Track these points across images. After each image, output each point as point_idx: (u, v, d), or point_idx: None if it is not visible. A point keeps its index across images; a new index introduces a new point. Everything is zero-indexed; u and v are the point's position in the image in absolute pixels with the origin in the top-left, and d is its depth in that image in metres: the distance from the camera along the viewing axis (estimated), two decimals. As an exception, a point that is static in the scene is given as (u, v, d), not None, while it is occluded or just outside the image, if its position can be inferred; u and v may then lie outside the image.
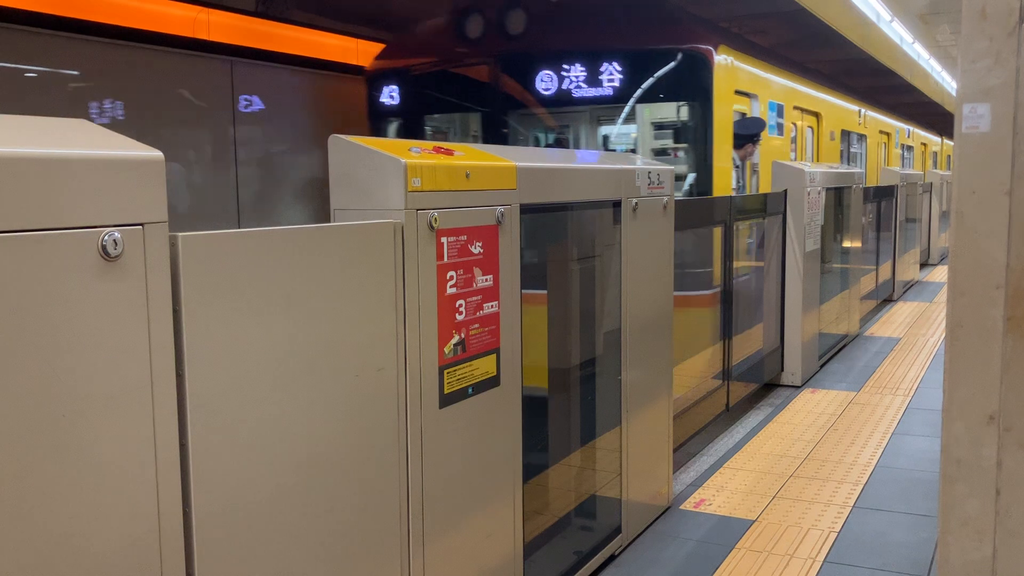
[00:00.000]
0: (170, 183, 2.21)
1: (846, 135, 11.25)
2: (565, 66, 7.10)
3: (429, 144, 2.56)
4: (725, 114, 6.99)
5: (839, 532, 3.89)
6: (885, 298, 10.87)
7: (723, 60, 6.82)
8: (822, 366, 7.26)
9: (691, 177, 6.94)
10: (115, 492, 1.57)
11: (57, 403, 1.48)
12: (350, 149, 2.35)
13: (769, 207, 6.43)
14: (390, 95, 7.88)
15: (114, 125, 8.44)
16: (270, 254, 1.92)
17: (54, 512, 1.48)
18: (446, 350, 2.47)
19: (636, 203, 3.63)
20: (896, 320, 9.53)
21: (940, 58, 17.10)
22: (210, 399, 1.78)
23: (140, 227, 1.58)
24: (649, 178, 3.75)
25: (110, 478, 1.56)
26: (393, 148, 2.37)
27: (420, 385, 2.37)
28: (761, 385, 6.42)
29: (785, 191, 6.58)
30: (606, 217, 3.60)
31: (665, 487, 4.15)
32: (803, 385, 6.65)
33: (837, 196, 7.83)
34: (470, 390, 2.59)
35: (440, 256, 2.43)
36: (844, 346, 8.05)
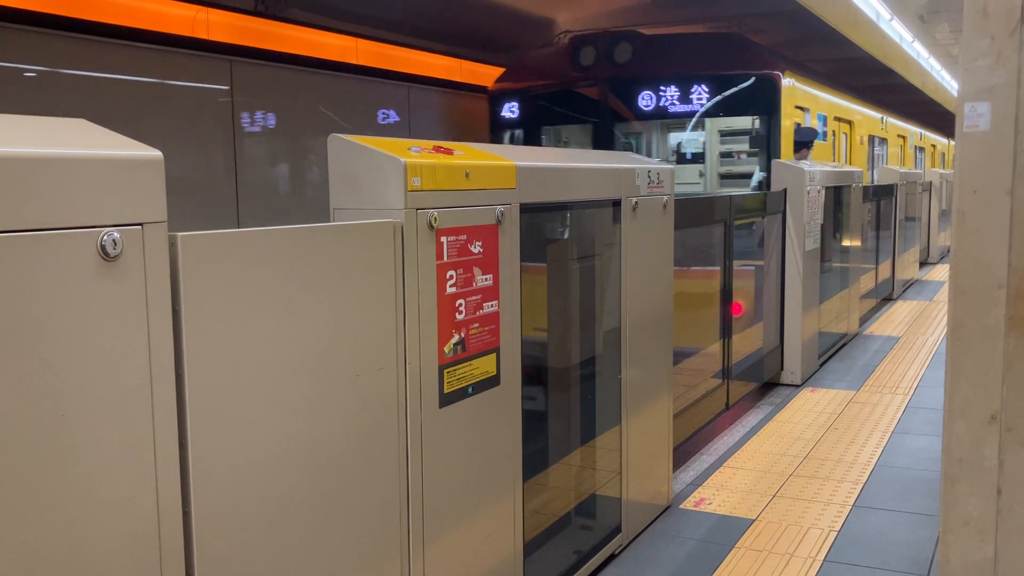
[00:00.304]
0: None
1: (871, 139, 13.05)
2: (662, 88, 8.99)
3: (429, 143, 2.56)
4: (788, 124, 8.75)
5: (839, 531, 3.89)
6: (885, 297, 10.87)
7: (787, 82, 8.67)
8: (822, 365, 7.26)
9: (760, 175, 8.51)
10: (114, 492, 1.57)
11: (56, 403, 1.47)
12: (350, 148, 2.35)
13: (769, 206, 6.43)
14: (510, 110, 9.84)
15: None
16: (270, 254, 1.91)
17: (53, 512, 1.48)
18: (446, 349, 2.47)
19: (636, 202, 3.63)
20: (896, 319, 9.53)
21: (940, 57, 17.12)
22: (209, 399, 1.77)
23: (139, 227, 1.58)
24: (649, 177, 3.75)
25: (109, 478, 1.56)
26: (393, 147, 2.37)
27: (420, 384, 2.37)
28: (761, 384, 6.42)
29: (785, 190, 6.58)
30: (606, 216, 3.60)
31: (665, 486, 4.15)
32: (803, 384, 6.65)
33: (837, 195, 7.83)
34: (470, 389, 2.59)
35: (440, 255, 2.42)
36: (844, 345, 8.05)
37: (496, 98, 9.98)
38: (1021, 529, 1.79)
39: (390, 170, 2.29)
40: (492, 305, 2.67)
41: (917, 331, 8.74)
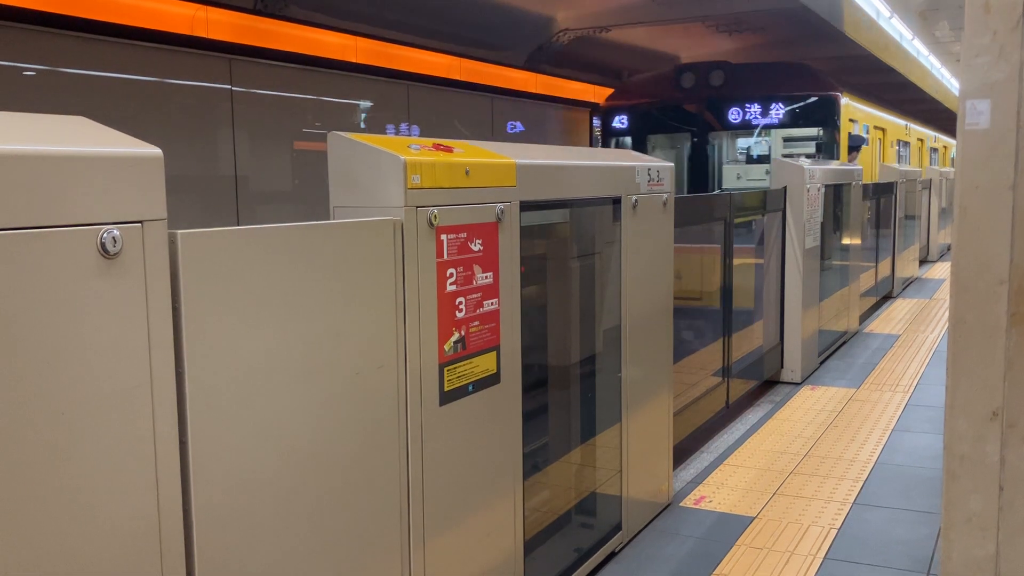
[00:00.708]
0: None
1: (898, 143, 15.68)
2: (747, 104, 11.55)
3: (428, 141, 2.55)
4: (844, 133, 11.27)
5: (839, 529, 3.89)
6: (884, 295, 10.87)
7: (844, 100, 11.28)
8: (822, 363, 7.26)
9: None
10: (115, 490, 1.57)
11: (56, 401, 1.47)
12: (350, 146, 2.35)
13: (769, 204, 6.42)
14: (620, 122, 12.34)
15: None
16: (270, 252, 1.91)
17: (54, 510, 1.48)
18: (446, 347, 2.47)
19: (636, 200, 3.62)
20: (896, 317, 9.53)
21: (940, 55, 17.13)
22: (210, 396, 1.77)
23: (139, 225, 1.58)
24: (649, 175, 3.75)
25: (109, 476, 1.56)
26: (392, 145, 2.36)
27: (420, 382, 2.36)
28: (761, 382, 6.42)
29: (785, 188, 6.57)
30: (606, 214, 3.59)
31: (665, 484, 4.15)
32: (803, 382, 6.65)
33: (836, 193, 7.82)
34: (470, 387, 2.59)
35: (440, 253, 2.42)
36: (844, 343, 8.05)
37: (608, 112, 12.55)
38: (1022, 526, 1.79)
39: (390, 168, 2.29)
40: (492, 303, 2.66)
41: (917, 329, 8.74)
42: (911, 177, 12.30)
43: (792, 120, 11.33)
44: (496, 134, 13.41)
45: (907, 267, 12.10)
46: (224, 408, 1.80)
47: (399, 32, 11.14)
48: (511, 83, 13.17)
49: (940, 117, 24.26)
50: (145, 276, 1.59)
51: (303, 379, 2.00)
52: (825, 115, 11.17)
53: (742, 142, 11.86)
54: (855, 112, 11.81)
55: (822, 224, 7.09)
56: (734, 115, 11.56)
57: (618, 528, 3.69)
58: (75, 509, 1.51)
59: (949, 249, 16.92)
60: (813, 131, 11.25)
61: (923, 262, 14.72)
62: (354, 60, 10.22)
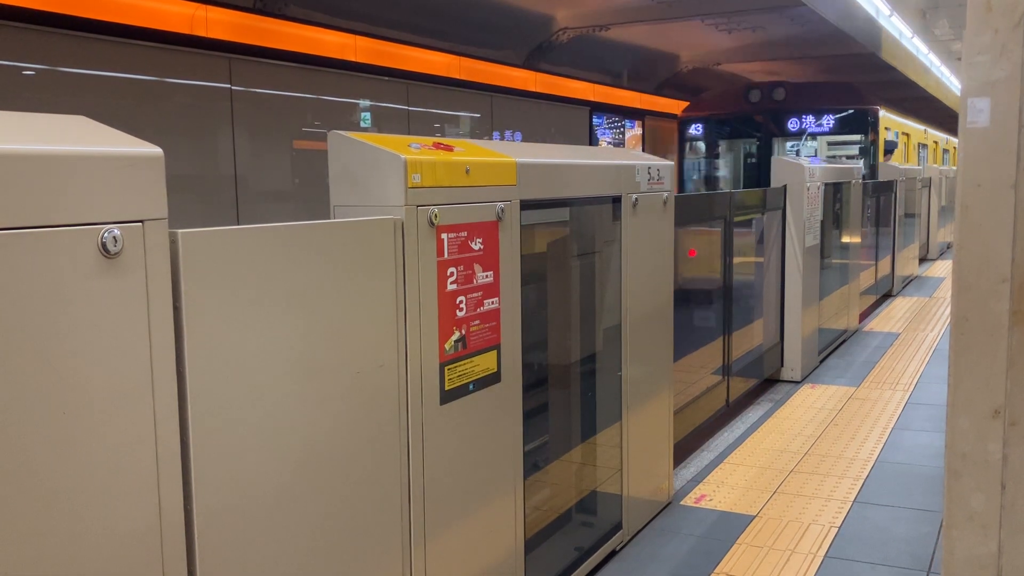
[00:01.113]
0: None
1: (919, 145, 17.88)
2: (804, 116, 14.00)
3: (429, 140, 2.55)
4: (881, 139, 13.73)
5: (840, 527, 3.89)
6: (884, 293, 10.87)
7: (883, 113, 13.82)
8: (822, 361, 7.26)
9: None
10: (116, 489, 1.56)
11: (57, 400, 1.47)
12: (350, 145, 2.34)
13: (769, 202, 6.42)
14: (696, 129, 14.90)
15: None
16: (270, 251, 1.91)
17: (55, 509, 1.48)
18: (447, 346, 2.47)
19: (636, 199, 3.62)
20: (895, 315, 9.53)
21: (939, 53, 17.18)
22: (211, 396, 1.77)
23: (140, 224, 1.57)
24: (649, 173, 3.75)
25: (111, 476, 1.55)
26: (393, 144, 2.36)
27: (421, 381, 2.36)
28: (761, 381, 6.42)
29: (785, 186, 6.57)
30: (606, 213, 3.59)
31: (666, 483, 4.15)
32: (803, 380, 6.65)
33: (836, 191, 7.82)
34: (471, 386, 2.59)
35: (440, 252, 2.42)
36: (843, 341, 8.05)
37: (685, 121, 15.12)
38: (1025, 524, 1.79)
39: (390, 167, 2.29)
40: (493, 302, 2.66)
41: (917, 327, 8.74)
42: (911, 175, 12.31)
43: (840, 128, 13.86)
44: (495, 132, 13.52)
45: (907, 265, 12.11)
46: (225, 408, 1.80)
47: (399, 31, 11.16)
48: (510, 82, 13.35)
49: (940, 116, 24.97)
50: (146, 276, 1.59)
51: (304, 378, 2.00)
52: (867, 125, 13.74)
53: (790, 145, 14.38)
54: (890, 122, 14.47)
55: (822, 222, 7.09)
56: (792, 124, 14.18)
57: (619, 527, 3.69)
58: (76, 509, 1.51)
59: (949, 247, 17.00)
60: (857, 137, 13.87)
61: (923, 260, 14.72)
62: (353, 59, 10.22)
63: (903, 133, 15.71)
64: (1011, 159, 1.69)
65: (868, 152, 13.63)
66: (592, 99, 15.63)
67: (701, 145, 15.07)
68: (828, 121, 13.87)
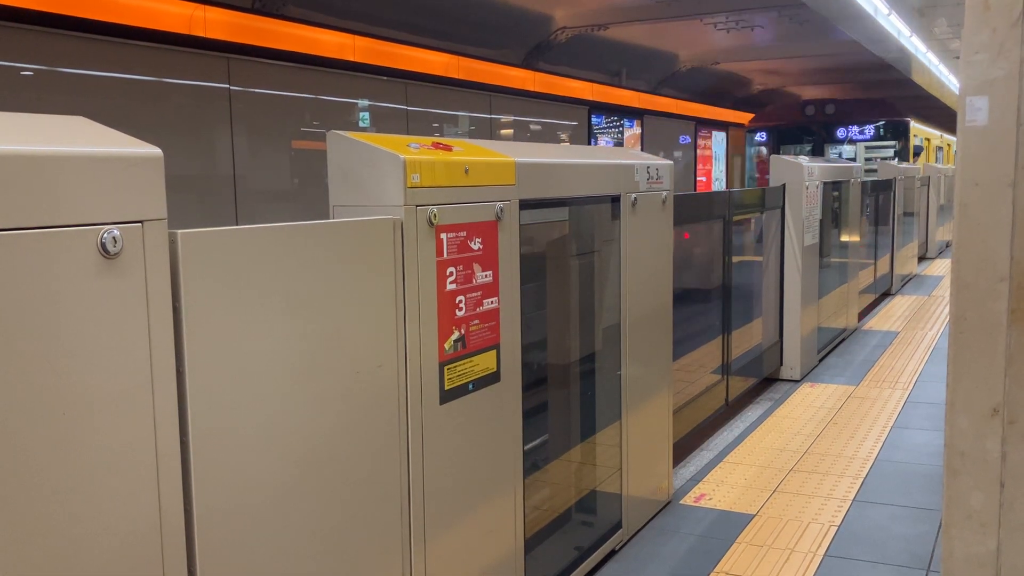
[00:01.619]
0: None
1: (936, 148, 21.36)
2: (850, 126, 17.96)
3: (428, 140, 2.55)
4: (911, 145, 17.54)
5: (839, 526, 3.90)
6: (883, 292, 10.88)
7: (912, 124, 17.63)
8: (821, 360, 7.26)
9: None
10: (116, 490, 1.57)
11: (57, 401, 1.47)
12: (349, 145, 2.35)
13: (767, 201, 6.42)
14: (760, 136, 18.99)
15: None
16: (270, 251, 1.91)
17: (55, 510, 1.48)
18: (446, 346, 2.47)
19: (635, 198, 3.62)
20: (894, 314, 9.54)
21: (937, 52, 17.22)
22: (210, 396, 1.77)
23: (139, 224, 1.58)
24: (648, 173, 3.75)
25: (111, 476, 1.56)
26: (392, 144, 2.36)
27: (420, 381, 2.37)
28: (760, 379, 6.43)
29: (783, 185, 6.57)
30: (605, 212, 3.59)
31: (665, 482, 4.15)
32: (802, 379, 6.65)
33: (835, 190, 7.83)
34: (470, 386, 2.59)
35: (440, 252, 2.42)
36: (843, 340, 8.05)
37: (751, 129, 19.36)
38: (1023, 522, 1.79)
39: (390, 167, 2.29)
40: (492, 302, 2.67)
41: (916, 326, 8.75)
42: (910, 174, 12.32)
43: (879, 136, 17.89)
44: (494, 133, 13.55)
45: (906, 264, 12.11)
46: (224, 408, 1.80)
47: (397, 31, 11.16)
48: (509, 81, 13.39)
49: (940, 115, 25.63)
50: (145, 276, 1.59)
51: (303, 378, 2.00)
52: (900, 133, 17.70)
53: (833, 149, 18.23)
54: (917, 130, 18.28)
55: (821, 221, 7.09)
56: (840, 133, 18.09)
57: (618, 526, 3.70)
58: (76, 510, 1.51)
59: (948, 246, 17.06)
60: (892, 143, 17.76)
61: (922, 259, 14.72)
62: (352, 59, 10.22)
63: (925, 139, 19.32)
64: (1009, 158, 1.69)
65: (900, 154, 17.60)
66: (591, 98, 15.82)
67: (763, 150, 19.06)
68: (869, 130, 18.00)
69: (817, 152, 18.27)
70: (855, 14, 11.92)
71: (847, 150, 18.18)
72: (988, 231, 1.74)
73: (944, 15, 13.70)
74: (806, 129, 18.38)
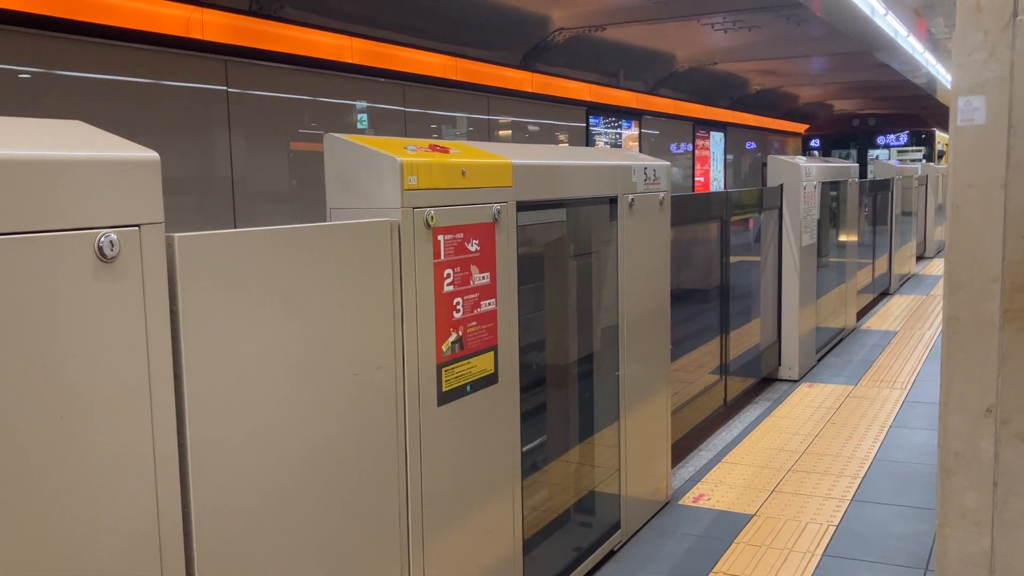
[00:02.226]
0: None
1: None
2: (887, 135, 22.70)
3: (425, 142, 2.56)
4: (936, 150, 22.12)
5: (838, 525, 3.90)
6: (882, 292, 10.89)
7: (935, 132, 22.16)
8: (819, 360, 7.27)
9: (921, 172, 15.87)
10: (114, 493, 1.57)
11: (55, 404, 1.47)
12: (346, 148, 2.35)
13: (765, 202, 6.43)
14: (815, 143, 23.34)
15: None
16: (267, 254, 1.92)
17: (53, 513, 1.48)
18: (444, 348, 2.47)
19: (632, 199, 3.63)
20: (893, 314, 9.55)
21: (934, 51, 17.21)
22: (208, 399, 1.78)
23: (136, 228, 1.58)
24: (646, 174, 3.75)
25: (109, 479, 1.56)
26: (389, 146, 2.37)
27: (418, 383, 2.37)
28: (759, 380, 6.43)
29: (781, 186, 6.58)
30: (603, 213, 3.60)
31: (664, 482, 4.15)
32: (800, 379, 6.66)
33: (833, 190, 7.84)
34: (468, 388, 2.60)
35: (437, 254, 2.43)
36: (841, 340, 8.06)
37: (807, 137, 23.67)
38: (1017, 521, 1.80)
39: (386, 169, 2.29)
40: (490, 303, 2.67)
41: (914, 325, 8.76)
42: (908, 173, 12.33)
43: (911, 143, 22.06)
44: (492, 134, 13.56)
45: (904, 264, 12.12)
46: (222, 410, 1.81)
47: (394, 32, 11.17)
48: (507, 83, 13.41)
49: (938, 115, 27.02)
50: (143, 279, 1.60)
51: (301, 381, 2.01)
52: (928, 140, 21.93)
53: (871, 153, 22.55)
54: (941, 138, 22.27)
55: (819, 221, 7.10)
56: (880, 140, 22.58)
57: (617, 527, 3.70)
58: (74, 512, 1.51)
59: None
60: (922, 148, 21.86)
61: (920, 258, 14.74)
62: (350, 61, 10.22)
63: (946, 144, 23.02)
64: (1001, 159, 1.70)
65: (928, 157, 21.50)
66: (588, 99, 15.87)
67: (817, 154, 23.28)
68: (903, 138, 22.50)
69: (861, 156, 22.76)
70: (854, 15, 11.98)
71: (883, 154, 22.37)
72: (981, 232, 1.74)
73: (942, 14, 13.72)
74: (852, 136, 23.07)
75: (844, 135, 23.09)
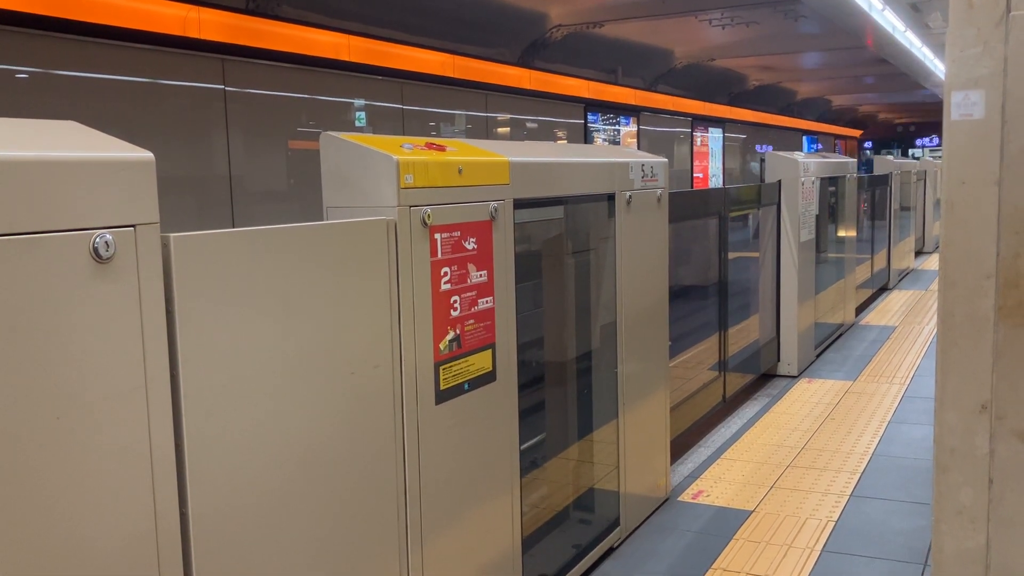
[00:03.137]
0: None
1: None
2: (924, 137, 36.98)
3: (421, 140, 2.56)
4: None
5: (836, 521, 3.91)
6: (880, 287, 10.89)
7: None
8: (818, 356, 7.27)
9: None
10: (111, 493, 1.57)
11: (51, 405, 1.48)
12: (342, 147, 2.35)
13: (764, 198, 6.43)
14: (867, 145, 37.28)
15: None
16: (263, 253, 1.92)
17: (51, 514, 1.48)
18: (441, 346, 2.47)
19: (630, 196, 3.63)
20: (891, 309, 9.55)
21: (932, 47, 17.21)
22: (205, 399, 1.78)
23: (132, 228, 1.58)
24: (643, 171, 3.75)
25: (106, 479, 1.56)
26: (385, 145, 2.37)
27: (416, 382, 2.37)
28: (758, 376, 6.44)
29: (779, 181, 6.58)
30: (601, 210, 3.60)
31: (663, 479, 4.16)
32: (799, 375, 6.66)
33: (831, 186, 7.83)
34: (466, 386, 2.60)
35: (434, 252, 2.43)
36: (840, 335, 8.07)
37: (862, 140, 33.42)
38: (1012, 517, 1.80)
39: (383, 168, 2.29)
40: (487, 301, 2.67)
41: (913, 320, 8.76)
42: (906, 168, 12.34)
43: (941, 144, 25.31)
44: (490, 131, 13.57)
45: (903, 259, 12.13)
46: (219, 410, 1.81)
47: (392, 30, 11.16)
48: (505, 80, 13.41)
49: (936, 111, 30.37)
50: (138, 280, 1.60)
51: (298, 380, 2.01)
52: None
53: (909, 151, 28.73)
54: None
55: (817, 217, 7.10)
56: (919, 142, 31.10)
57: (616, 523, 3.71)
58: (71, 514, 1.52)
59: (942, 241, 17.26)
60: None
61: (919, 253, 14.75)
62: (347, 59, 10.22)
63: None
64: (994, 155, 1.70)
65: None
66: (587, 96, 15.87)
67: (867, 153, 29.40)
68: (935, 140, 26.71)
69: (904, 154, 28.14)
70: (854, 9, 11.99)
71: (917, 152, 28.05)
72: (974, 229, 1.75)
73: (938, 8, 13.71)
74: (898, 140, 30.93)
75: (890, 138, 31.23)
